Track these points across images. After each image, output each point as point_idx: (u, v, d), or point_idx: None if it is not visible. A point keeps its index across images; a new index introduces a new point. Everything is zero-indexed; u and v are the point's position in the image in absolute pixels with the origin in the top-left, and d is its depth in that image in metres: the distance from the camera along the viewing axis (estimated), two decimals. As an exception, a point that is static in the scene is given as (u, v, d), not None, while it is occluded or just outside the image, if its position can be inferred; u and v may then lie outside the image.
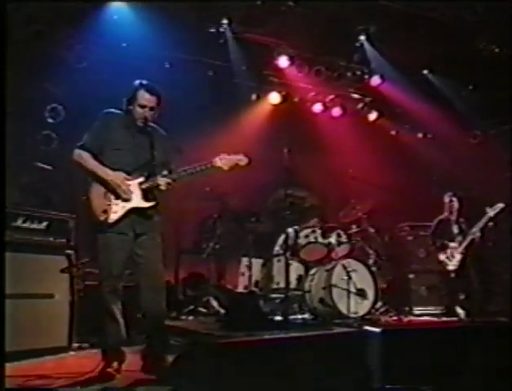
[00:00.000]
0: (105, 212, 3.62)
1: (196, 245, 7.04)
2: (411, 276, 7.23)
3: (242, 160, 3.57)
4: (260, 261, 6.31)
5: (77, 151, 3.72)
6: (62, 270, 4.74)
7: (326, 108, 8.35)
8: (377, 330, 2.63)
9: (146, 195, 3.66)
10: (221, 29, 6.93)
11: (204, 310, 6.35)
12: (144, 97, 3.66)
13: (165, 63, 7.16)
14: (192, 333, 5.02)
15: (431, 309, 6.89)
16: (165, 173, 3.66)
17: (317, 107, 8.33)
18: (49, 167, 6.25)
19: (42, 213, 4.77)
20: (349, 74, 8.00)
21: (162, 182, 3.61)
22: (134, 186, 3.64)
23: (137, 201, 3.64)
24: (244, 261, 6.28)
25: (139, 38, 6.69)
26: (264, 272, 6.23)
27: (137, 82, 3.72)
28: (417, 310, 6.99)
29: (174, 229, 7.14)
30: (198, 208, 7.27)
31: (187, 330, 5.20)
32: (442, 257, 6.50)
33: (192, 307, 6.31)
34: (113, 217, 3.62)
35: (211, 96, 7.46)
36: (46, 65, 6.22)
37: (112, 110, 3.77)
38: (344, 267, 5.72)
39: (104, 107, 3.80)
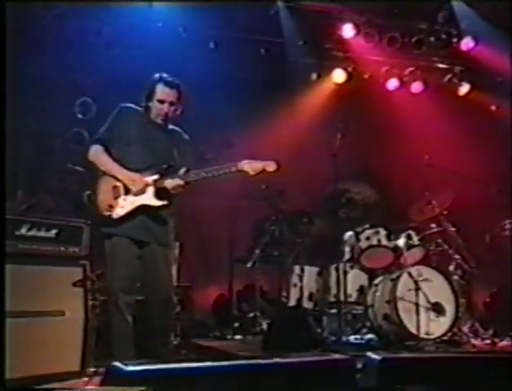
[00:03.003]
0: (111, 207, 3.60)
1: (251, 252, 6.61)
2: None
3: (270, 165, 3.47)
4: (315, 269, 5.83)
5: (92, 150, 3.76)
6: (74, 284, 4.49)
7: (403, 84, 7.64)
8: (375, 357, 2.04)
9: (159, 193, 3.57)
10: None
11: (256, 328, 6.00)
12: (163, 91, 3.67)
13: (210, 44, 6.80)
14: (221, 355, 4.69)
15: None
16: (181, 172, 3.58)
17: (392, 84, 7.63)
18: (81, 169, 6.05)
19: (51, 220, 4.55)
20: (432, 39, 7.15)
21: (171, 184, 3.51)
22: (149, 183, 3.58)
23: (148, 198, 3.57)
24: (296, 269, 5.83)
25: (176, 16, 6.43)
26: (320, 282, 5.75)
27: (156, 76, 3.71)
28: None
29: (228, 234, 6.99)
30: (253, 209, 6.99)
31: (220, 351, 4.97)
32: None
33: (237, 324, 6.03)
34: (119, 211, 3.58)
35: (263, 78, 7.10)
36: (72, 53, 6.11)
37: (129, 105, 3.77)
38: (411, 276, 5.06)
39: (139, 98, 3.79)
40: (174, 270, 5.24)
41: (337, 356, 2.36)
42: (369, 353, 2.17)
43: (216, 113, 6.62)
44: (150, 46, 6.38)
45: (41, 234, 4.46)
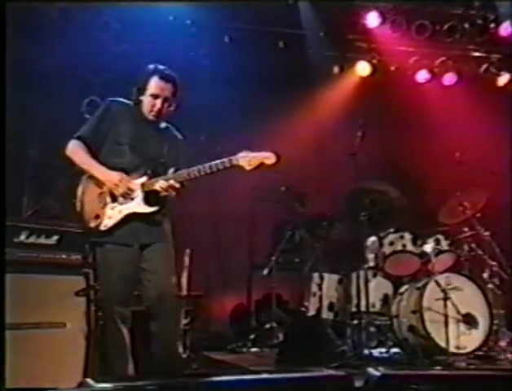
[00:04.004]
0: (97, 217, 3.49)
1: (270, 259, 6.55)
2: None
3: (269, 157, 3.30)
4: (335, 277, 5.70)
5: (71, 144, 3.64)
6: (77, 293, 4.43)
7: (434, 75, 7.47)
8: (375, 373, 1.92)
9: (148, 198, 3.45)
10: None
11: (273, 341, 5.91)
12: (158, 85, 3.52)
13: (224, 37, 6.76)
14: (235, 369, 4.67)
15: None
16: (170, 172, 3.44)
17: (422, 76, 7.48)
18: None
19: (52, 226, 4.52)
20: (466, 25, 6.89)
21: (161, 185, 3.37)
22: (135, 187, 3.45)
23: (136, 205, 3.45)
24: (315, 277, 5.72)
25: (188, 9, 6.38)
26: (340, 291, 5.63)
27: (150, 67, 3.59)
28: None
29: (246, 239, 6.95)
30: (272, 213, 6.95)
31: (232, 365, 4.94)
32: None
33: (252, 336, 5.95)
34: (107, 223, 3.47)
35: (282, 73, 6.97)
36: (78, 50, 6.12)
37: (119, 99, 3.67)
38: (438, 284, 4.88)
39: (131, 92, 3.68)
40: (184, 278, 5.22)
41: (331, 372, 2.23)
42: (370, 369, 2.04)
43: (230, 111, 6.55)
44: (161, 40, 6.35)
45: (42, 241, 4.41)
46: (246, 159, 3.28)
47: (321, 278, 5.57)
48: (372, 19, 6.71)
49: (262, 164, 3.29)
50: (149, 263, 3.50)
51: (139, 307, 3.69)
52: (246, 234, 6.95)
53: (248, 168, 3.28)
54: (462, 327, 4.90)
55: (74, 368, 4.21)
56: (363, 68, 7.29)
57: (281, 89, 6.88)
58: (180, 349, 4.74)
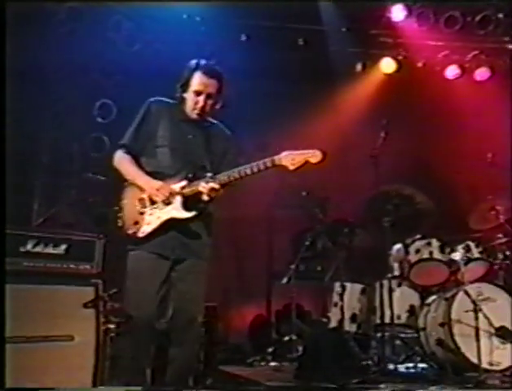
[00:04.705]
0: (136, 223, 3.47)
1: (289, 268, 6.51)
2: None
3: (315, 155, 3.23)
4: (358, 286, 5.61)
5: (117, 156, 3.65)
6: (85, 305, 4.47)
7: (465, 71, 7.35)
8: None
9: (186, 203, 3.41)
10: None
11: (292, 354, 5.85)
12: (201, 80, 3.47)
13: (241, 36, 6.75)
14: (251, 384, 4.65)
15: None
16: (208, 175, 3.38)
17: (451, 71, 7.37)
18: (102, 178, 6.10)
19: (60, 234, 4.55)
20: (500, 16, 6.73)
21: (204, 187, 3.32)
22: (175, 192, 3.43)
23: (174, 210, 3.42)
24: (337, 286, 5.64)
25: (202, 6, 6.39)
26: (363, 302, 5.53)
27: (192, 62, 3.52)
28: None
29: (265, 247, 6.94)
30: (292, 219, 6.91)
31: (248, 380, 4.88)
32: None
33: (270, 349, 5.90)
34: (146, 229, 3.45)
35: (302, 72, 6.99)
36: (89, 52, 6.17)
37: (159, 98, 3.63)
38: (468, 295, 4.75)
39: (167, 94, 3.66)
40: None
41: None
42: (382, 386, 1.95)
43: (248, 112, 6.51)
44: (175, 39, 6.39)
45: (49, 250, 4.45)
46: (289, 158, 3.24)
47: (343, 287, 5.50)
48: (398, 13, 6.66)
49: (306, 162, 3.24)
50: (181, 283, 3.46)
51: (162, 325, 3.65)
52: (266, 241, 6.94)
53: (291, 167, 3.24)
54: (495, 341, 4.73)
55: (82, 382, 4.26)
56: (387, 65, 7.25)
57: (301, 88, 6.88)
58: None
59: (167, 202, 3.43)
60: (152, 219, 3.44)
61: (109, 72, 6.37)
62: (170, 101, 3.61)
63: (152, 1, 6.23)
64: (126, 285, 3.53)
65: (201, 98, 3.46)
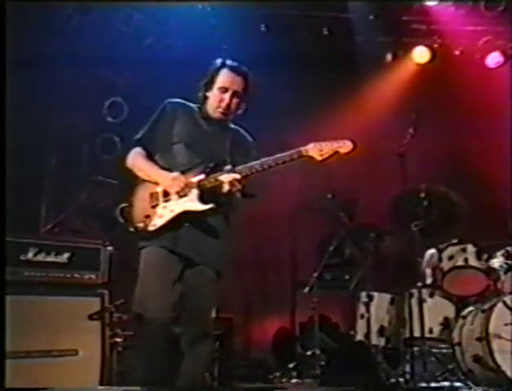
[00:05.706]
0: (147, 217, 3.42)
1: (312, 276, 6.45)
2: None
3: (345, 145, 3.24)
4: (386, 296, 5.52)
5: (131, 155, 3.65)
6: (90, 317, 4.51)
7: (509, 59, 7.12)
8: None
9: (203, 195, 3.37)
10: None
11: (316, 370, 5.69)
12: (227, 77, 3.49)
13: (261, 26, 6.70)
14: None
15: None
16: (227, 168, 3.35)
17: (493, 59, 7.16)
18: (113, 181, 6.14)
19: (63, 242, 4.62)
20: (549, -4, 6.65)
21: (226, 178, 3.28)
22: (192, 184, 3.39)
23: (190, 202, 3.37)
24: (363, 296, 5.56)
25: None
26: (392, 313, 5.43)
27: (217, 61, 3.54)
28: None
29: (288, 254, 6.90)
30: (317, 223, 6.86)
31: None
32: None
33: (291, 365, 5.81)
34: (157, 222, 3.40)
35: (327, 63, 6.94)
36: (98, 47, 6.21)
37: (178, 100, 3.62)
38: (507, 306, 4.59)
39: (179, 97, 3.65)
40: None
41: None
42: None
43: (268, 106, 6.47)
44: (189, 32, 6.36)
45: (51, 258, 4.50)
46: (317, 148, 3.24)
47: (369, 297, 5.44)
48: (431, -3, 6.60)
49: (336, 153, 3.24)
50: (191, 290, 3.41)
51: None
52: (289, 246, 6.88)
53: (319, 158, 3.24)
54: (540, 359, 4.62)
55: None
56: (421, 54, 7.12)
57: (325, 82, 6.82)
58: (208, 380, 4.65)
59: (182, 194, 3.39)
60: (165, 212, 3.40)
61: (120, 68, 6.40)
62: (186, 103, 3.63)
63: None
64: (137, 283, 3.41)
65: (227, 96, 3.47)
